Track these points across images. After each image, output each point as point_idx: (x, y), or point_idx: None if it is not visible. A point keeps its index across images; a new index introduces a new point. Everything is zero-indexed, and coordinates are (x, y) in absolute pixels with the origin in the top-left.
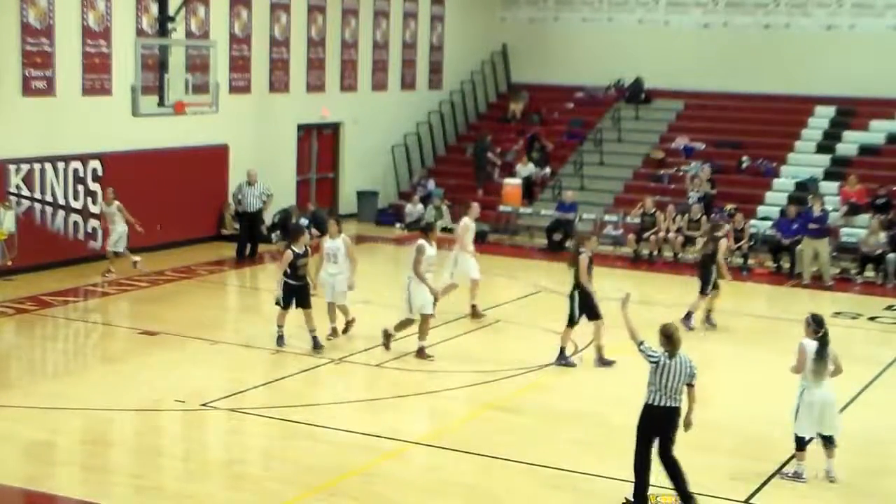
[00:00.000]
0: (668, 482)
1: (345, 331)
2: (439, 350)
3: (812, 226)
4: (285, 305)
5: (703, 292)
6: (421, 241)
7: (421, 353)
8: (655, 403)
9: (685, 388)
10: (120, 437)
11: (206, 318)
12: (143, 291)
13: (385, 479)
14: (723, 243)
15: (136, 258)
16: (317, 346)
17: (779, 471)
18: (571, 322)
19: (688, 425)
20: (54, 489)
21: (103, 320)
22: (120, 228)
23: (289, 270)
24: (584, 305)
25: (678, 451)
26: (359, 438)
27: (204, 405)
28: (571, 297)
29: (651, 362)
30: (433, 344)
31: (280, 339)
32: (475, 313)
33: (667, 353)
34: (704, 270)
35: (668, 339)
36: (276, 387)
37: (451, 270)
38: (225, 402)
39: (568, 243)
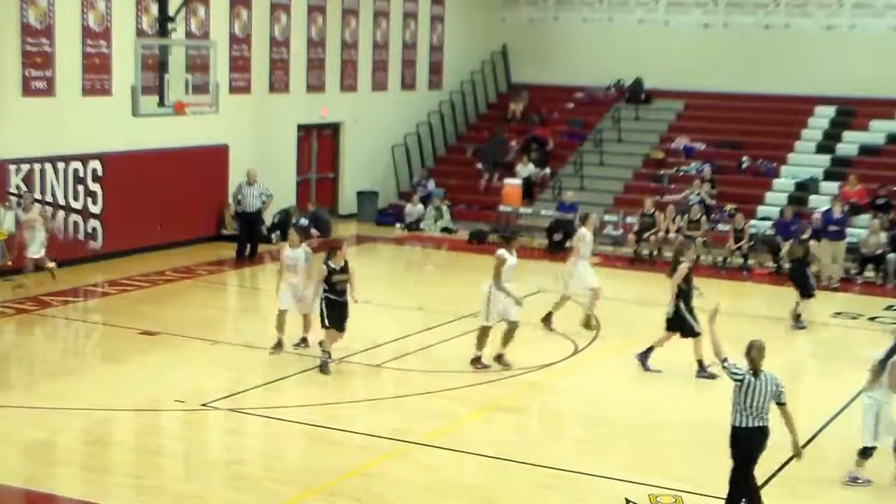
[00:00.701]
0: (668, 482)
1: (297, 344)
2: (439, 350)
3: (832, 227)
4: (331, 323)
5: (808, 295)
6: (501, 251)
7: (500, 359)
8: (742, 424)
9: (775, 408)
10: (120, 438)
11: (206, 318)
12: (143, 291)
13: (385, 479)
14: (812, 245)
15: (52, 264)
16: (324, 367)
17: (778, 472)
18: (693, 333)
19: (797, 454)
20: (54, 489)
21: (103, 320)
22: (40, 238)
23: (326, 286)
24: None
25: (678, 453)
26: (359, 438)
27: (204, 405)
28: (677, 308)
29: (735, 380)
30: (433, 345)
31: (325, 366)
32: (588, 323)
33: (751, 371)
34: (800, 274)
35: (747, 355)
36: (276, 387)
37: (564, 281)
38: (225, 402)
39: (569, 243)
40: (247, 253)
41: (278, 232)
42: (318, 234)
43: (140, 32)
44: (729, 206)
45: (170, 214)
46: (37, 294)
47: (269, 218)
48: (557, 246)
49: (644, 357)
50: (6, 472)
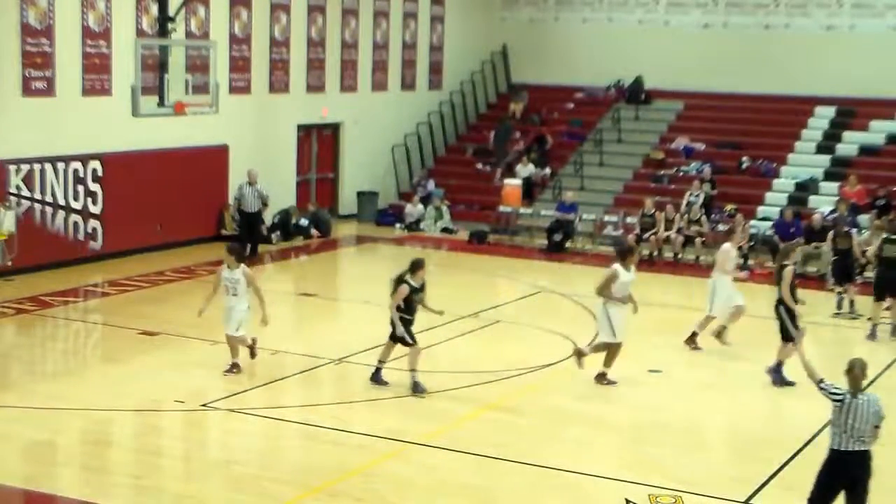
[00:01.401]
0: (668, 482)
1: (228, 370)
2: (439, 350)
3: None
4: (414, 341)
5: (841, 283)
6: (615, 266)
7: (601, 377)
8: (842, 448)
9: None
10: (120, 438)
11: (206, 318)
12: (144, 291)
13: (385, 479)
14: (855, 235)
15: None
16: (418, 389)
17: (779, 472)
18: (787, 337)
19: None
20: (54, 489)
21: (103, 321)
22: None
23: (402, 304)
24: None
25: (678, 453)
26: (359, 438)
27: (204, 405)
28: (777, 311)
29: (835, 401)
30: (434, 344)
31: (417, 386)
32: (721, 335)
33: (851, 391)
34: (846, 264)
35: (849, 373)
36: (276, 387)
37: (709, 301)
38: (225, 402)
39: (568, 244)
40: (247, 253)
41: (278, 232)
42: (318, 234)
43: (140, 32)
44: (729, 206)
45: (170, 214)
46: (37, 294)
47: (269, 218)
48: (557, 246)
49: (777, 373)
50: (6, 472)
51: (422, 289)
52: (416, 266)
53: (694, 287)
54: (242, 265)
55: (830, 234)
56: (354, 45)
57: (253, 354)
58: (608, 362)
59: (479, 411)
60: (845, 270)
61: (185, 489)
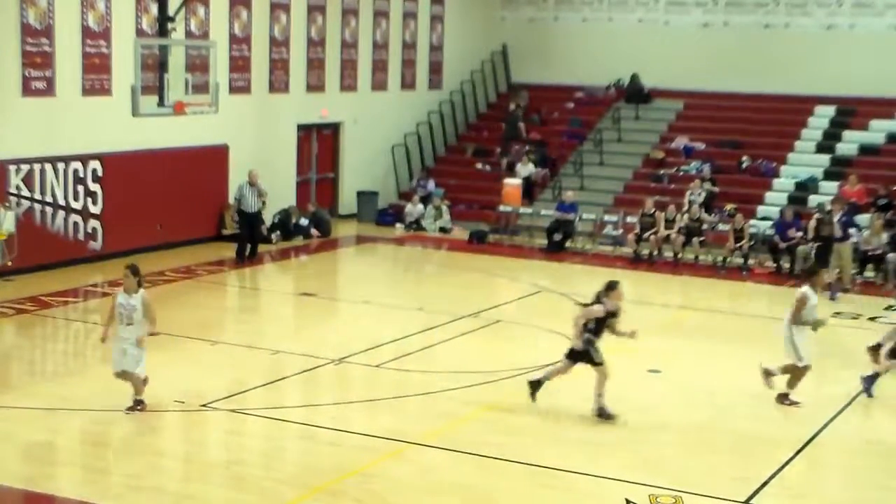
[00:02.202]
0: (668, 482)
1: (131, 408)
2: (439, 351)
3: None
4: (600, 360)
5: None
6: (805, 289)
7: (783, 398)
8: None
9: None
10: (120, 438)
11: (206, 318)
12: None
13: (385, 479)
14: (836, 224)
15: None
16: (603, 415)
17: (779, 472)
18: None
19: None
20: (54, 490)
21: (103, 321)
22: None
23: (591, 324)
24: None
25: (678, 453)
26: (359, 438)
27: (204, 406)
28: None
29: None
30: (434, 344)
31: (603, 411)
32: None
33: None
34: (823, 250)
35: None
36: (276, 387)
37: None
38: (225, 402)
39: (568, 243)
40: (247, 253)
41: (278, 232)
42: (318, 234)
43: (140, 32)
44: (729, 206)
45: (170, 214)
46: (37, 294)
47: (269, 218)
48: (557, 246)
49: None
50: (6, 473)
51: (615, 314)
52: (611, 287)
53: (692, 287)
54: (142, 290)
55: (813, 223)
56: (354, 44)
57: (133, 407)
58: (792, 384)
59: (478, 411)
60: (825, 257)
61: (185, 489)
